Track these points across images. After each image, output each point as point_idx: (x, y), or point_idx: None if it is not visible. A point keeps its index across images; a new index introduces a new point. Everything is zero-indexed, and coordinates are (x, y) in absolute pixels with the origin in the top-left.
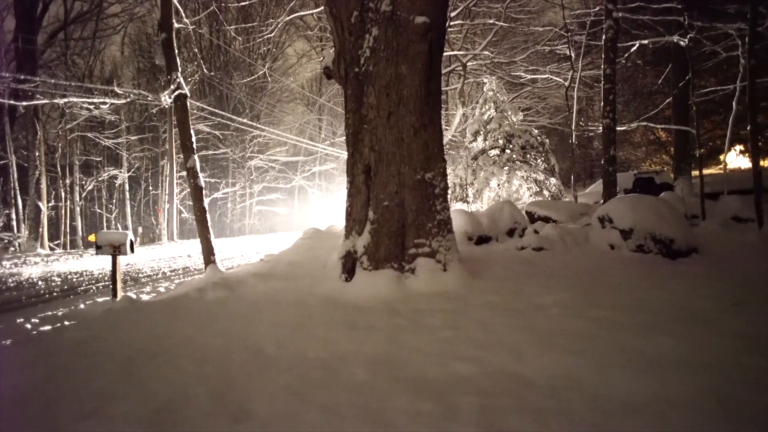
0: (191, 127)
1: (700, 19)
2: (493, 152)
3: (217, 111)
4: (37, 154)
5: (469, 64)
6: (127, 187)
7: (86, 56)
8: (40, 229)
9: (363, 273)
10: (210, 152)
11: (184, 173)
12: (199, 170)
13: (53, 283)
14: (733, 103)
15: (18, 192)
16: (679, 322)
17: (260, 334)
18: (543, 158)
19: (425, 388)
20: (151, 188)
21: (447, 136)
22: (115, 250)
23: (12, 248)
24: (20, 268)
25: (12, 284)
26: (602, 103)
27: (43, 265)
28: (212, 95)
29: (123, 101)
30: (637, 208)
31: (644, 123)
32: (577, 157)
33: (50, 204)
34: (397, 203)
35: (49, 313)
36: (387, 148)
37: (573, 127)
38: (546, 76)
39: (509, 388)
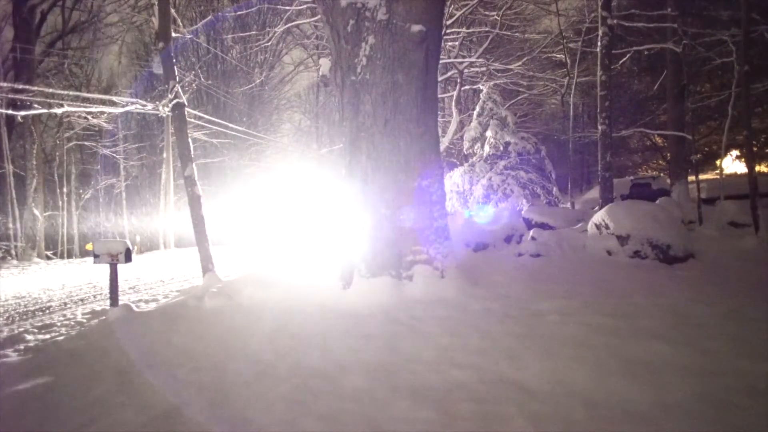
0: (189, 135)
1: (694, 25)
2: (491, 159)
3: (214, 119)
4: (34, 163)
5: (465, 71)
6: (124, 195)
7: (84, 65)
8: (37, 239)
9: (361, 280)
10: (208, 160)
11: (182, 181)
12: (197, 178)
13: (50, 293)
14: (729, 109)
15: (15, 201)
16: (676, 327)
17: (258, 342)
18: (539, 164)
19: (424, 396)
20: (149, 196)
21: (444, 144)
22: (113, 258)
23: (9, 257)
24: (17, 277)
25: (9, 293)
26: (598, 110)
27: (39, 274)
28: (210, 103)
29: (121, 110)
30: (633, 214)
31: (640, 129)
32: (574, 163)
33: (47, 213)
34: (394, 210)
35: (48, 321)
36: (384, 155)
37: (570, 133)
38: (542, 82)
39: (508, 395)
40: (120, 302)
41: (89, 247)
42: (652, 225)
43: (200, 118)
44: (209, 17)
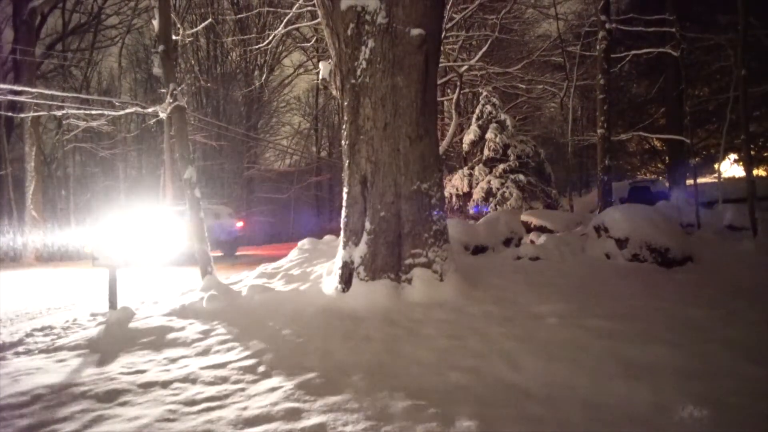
0: (188, 138)
1: (693, 29)
2: (490, 162)
3: (213, 121)
4: (33, 165)
5: (464, 74)
6: (123, 197)
7: (84, 68)
8: (35, 241)
9: (360, 283)
10: (208, 162)
11: (181, 183)
12: (196, 181)
13: (50, 294)
14: (727, 112)
15: (14, 203)
16: (674, 330)
17: (257, 344)
18: (539, 168)
19: (423, 398)
20: (148, 199)
21: (443, 147)
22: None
23: (7, 260)
24: (16, 279)
25: (8, 295)
26: (597, 113)
27: (39, 276)
28: (209, 106)
29: (120, 112)
30: (632, 217)
31: (639, 132)
32: (573, 166)
33: (46, 215)
34: (394, 213)
35: (47, 323)
36: (383, 158)
37: (569, 137)
38: (541, 86)
39: (506, 397)
40: (119, 305)
41: (88, 249)
42: (650, 228)
43: (199, 120)
44: (209, 20)
